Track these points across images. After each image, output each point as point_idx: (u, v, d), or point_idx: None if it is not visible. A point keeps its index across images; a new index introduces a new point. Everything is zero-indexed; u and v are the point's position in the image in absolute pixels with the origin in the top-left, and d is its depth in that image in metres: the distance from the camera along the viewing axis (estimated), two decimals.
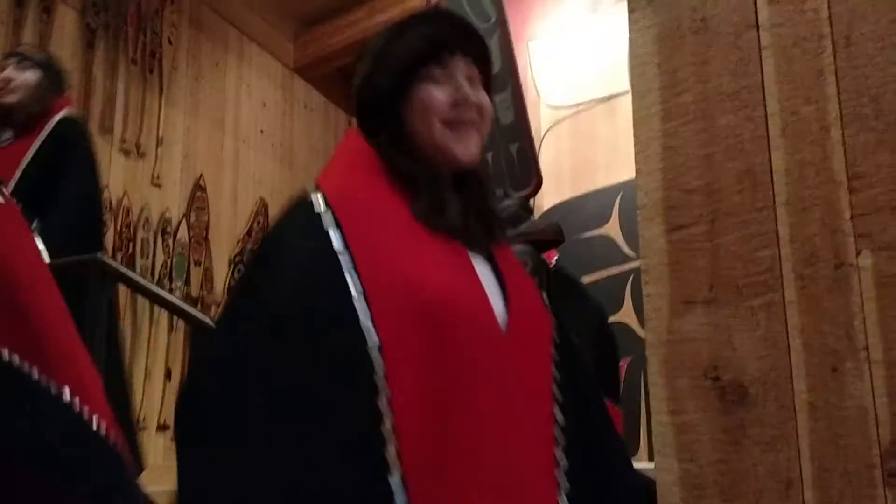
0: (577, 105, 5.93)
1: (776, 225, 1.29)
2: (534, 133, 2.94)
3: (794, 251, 1.27)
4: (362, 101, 1.17)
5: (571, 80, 5.68)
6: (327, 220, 1.00)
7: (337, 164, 1.15)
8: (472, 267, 1.09)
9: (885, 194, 1.26)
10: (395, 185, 1.10)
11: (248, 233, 5.55)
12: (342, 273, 0.94)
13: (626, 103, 1.51)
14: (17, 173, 2.55)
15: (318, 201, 1.03)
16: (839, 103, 1.27)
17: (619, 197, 6.06)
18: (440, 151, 1.14)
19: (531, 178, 2.54)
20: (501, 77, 2.61)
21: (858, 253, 1.25)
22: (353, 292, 0.92)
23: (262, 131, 6.01)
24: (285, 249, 0.99)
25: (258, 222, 5.65)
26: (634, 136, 1.40)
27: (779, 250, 1.28)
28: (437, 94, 1.14)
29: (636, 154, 1.40)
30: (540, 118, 5.99)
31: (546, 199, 5.96)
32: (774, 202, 1.29)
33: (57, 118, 2.71)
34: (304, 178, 6.15)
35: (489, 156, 2.50)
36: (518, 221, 2.44)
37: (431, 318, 0.94)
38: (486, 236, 1.16)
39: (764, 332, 1.27)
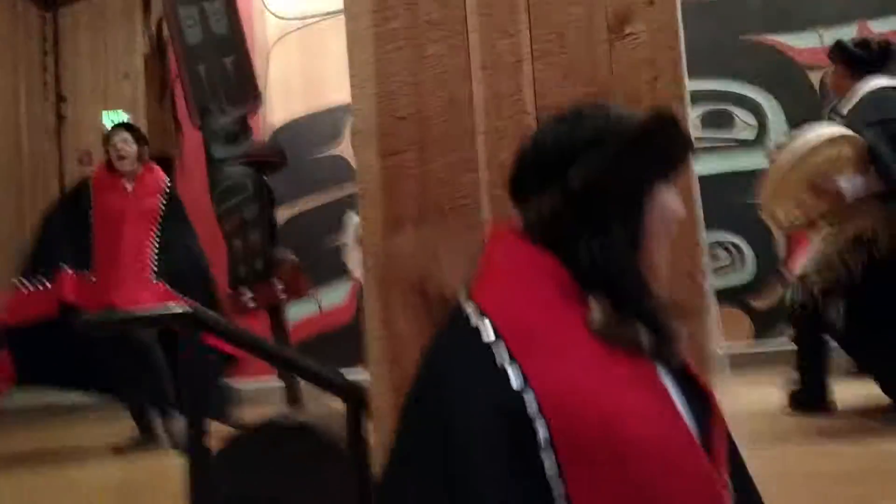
0: (306, 18, 5.79)
1: (476, 152, 1.40)
2: (261, 46, 2.82)
3: (491, 176, 1.40)
4: (580, 201, 0.93)
5: None
6: (501, 353, 0.85)
7: (502, 278, 0.94)
8: (668, 391, 0.91)
9: None
10: (566, 294, 0.91)
11: None
12: (526, 420, 0.81)
13: None
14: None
15: (487, 330, 0.88)
16: (530, 38, 1.39)
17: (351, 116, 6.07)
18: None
19: (249, 94, 2.45)
20: None
21: None
22: (541, 441, 0.81)
23: None
24: (459, 399, 0.84)
25: None
26: (349, 59, 1.42)
27: (478, 175, 1.41)
28: (674, 203, 0.98)
29: (351, 78, 1.42)
30: (266, 30, 5.76)
31: (277, 117, 5.80)
32: (475, 131, 1.40)
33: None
34: None
35: (202, 69, 2.37)
36: (236, 141, 2.36)
37: (629, 465, 0.82)
38: (669, 345, 0.95)
39: (464, 250, 1.40)
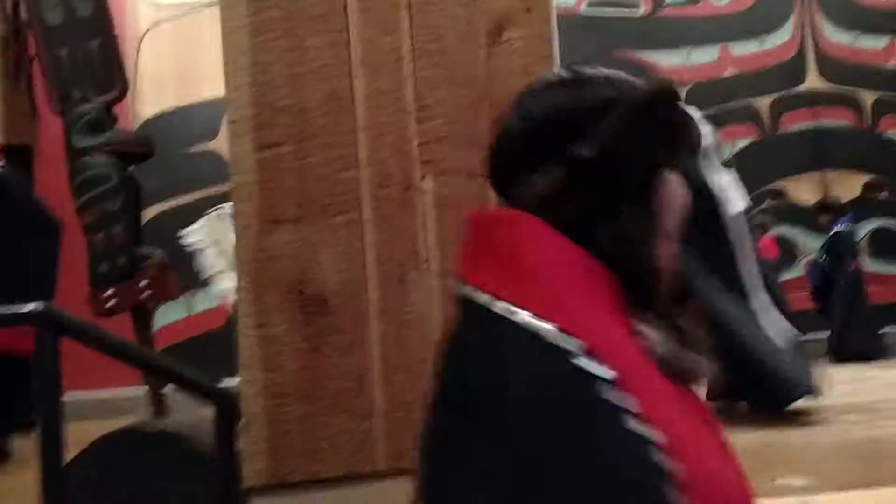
0: (181, 6, 5.54)
1: (357, 149, 1.38)
2: (131, 33, 2.67)
3: (371, 174, 1.38)
4: (598, 180, 0.80)
5: None
6: (622, 399, 0.72)
7: (559, 287, 0.78)
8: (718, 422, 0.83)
9: (445, 125, 1.43)
10: (617, 301, 0.79)
11: None
12: (667, 478, 0.71)
13: None
14: None
15: (598, 368, 0.73)
16: (412, 37, 1.39)
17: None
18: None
19: (115, 81, 2.30)
20: None
21: (423, 177, 1.42)
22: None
23: None
24: (596, 448, 0.72)
25: None
26: (223, 48, 1.36)
27: (359, 172, 1.38)
28: (682, 190, 0.85)
29: (225, 66, 1.36)
30: (138, 16, 5.47)
31: (147, 108, 5.51)
32: (356, 127, 1.38)
33: None
34: None
35: (64, 52, 2.19)
36: (100, 130, 2.20)
37: None
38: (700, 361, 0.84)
39: (344, 248, 1.37)
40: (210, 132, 5.65)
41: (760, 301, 3.36)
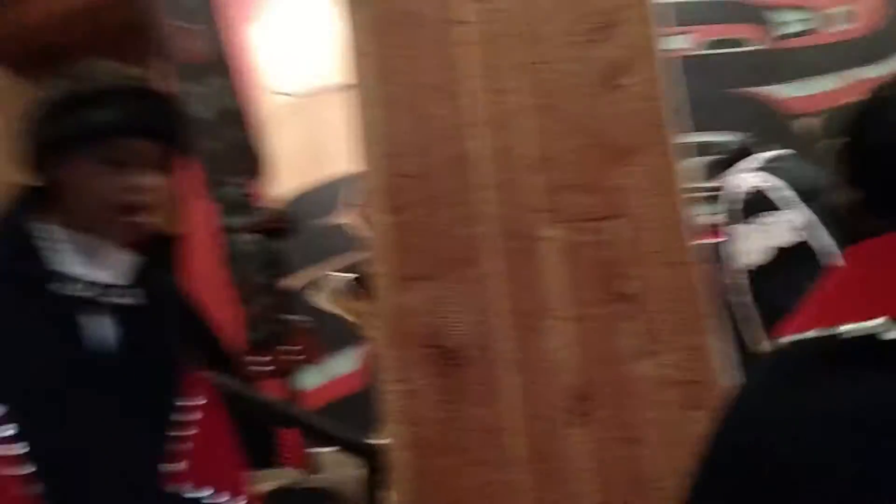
0: (307, 92, 5.95)
1: (481, 206, 1.44)
2: (262, 119, 2.91)
3: (498, 228, 1.43)
4: None
5: (301, 66, 5.67)
6: None
7: None
8: None
9: (569, 175, 1.47)
10: None
11: None
12: None
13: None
14: None
15: None
16: (532, 94, 1.45)
17: (349, 186, 6.18)
18: None
19: (255, 164, 2.51)
20: (218, 62, 2.55)
21: (550, 225, 1.45)
22: None
23: None
24: None
25: None
26: (359, 123, 1.47)
27: (485, 228, 1.44)
28: None
29: (360, 141, 1.47)
30: (268, 105, 5.91)
31: (277, 190, 5.91)
32: (481, 185, 1.44)
33: None
34: None
35: (218, 144, 2.43)
36: (243, 210, 2.40)
37: None
38: None
39: (475, 302, 1.42)
40: (335, 206, 5.93)
41: None
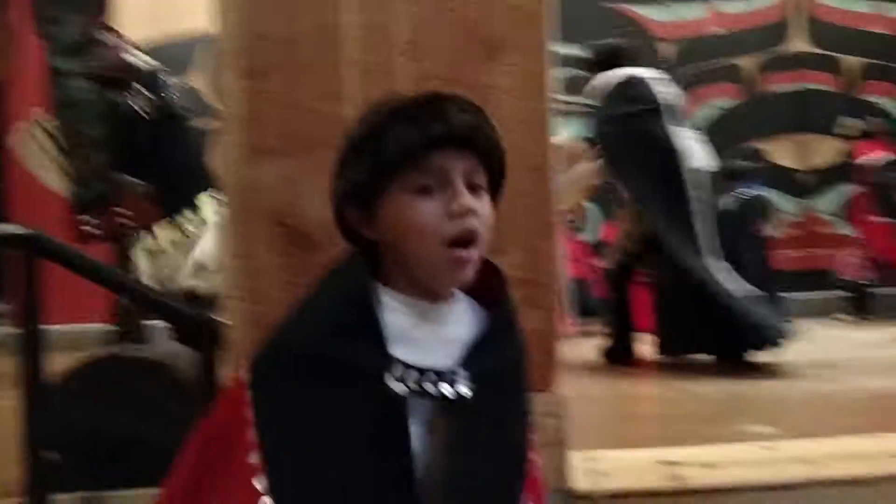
0: None
1: (343, 84, 1.37)
2: None
3: (358, 110, 1.37)
4: None
5: None
6: None
7: None
8: None
9: (440, 67, 1.42)
10: None
11: None
12: None
13: None
14: None
15: None
16: None
17: (204, 45, 5.73)
18: None
19: (98, 3, 2.22)
20: None
21: None
22: None
23: None
24: None
25: None
26: None
27: (344, 108, 1.37)
28: None
29: None
30: None
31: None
32: (344, 62, 1.36)
33: None
34: None
35: None
36: (78, 52, 2.14)
37: None
38: None
39: (327, 184, 1.37)
40: (184, 66, 5.54)
41: (712, 263, 3.42)
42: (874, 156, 5.59)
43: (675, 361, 3.55)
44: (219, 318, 1.43)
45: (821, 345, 3.82)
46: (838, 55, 6.51)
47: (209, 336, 1.50)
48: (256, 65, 1.34)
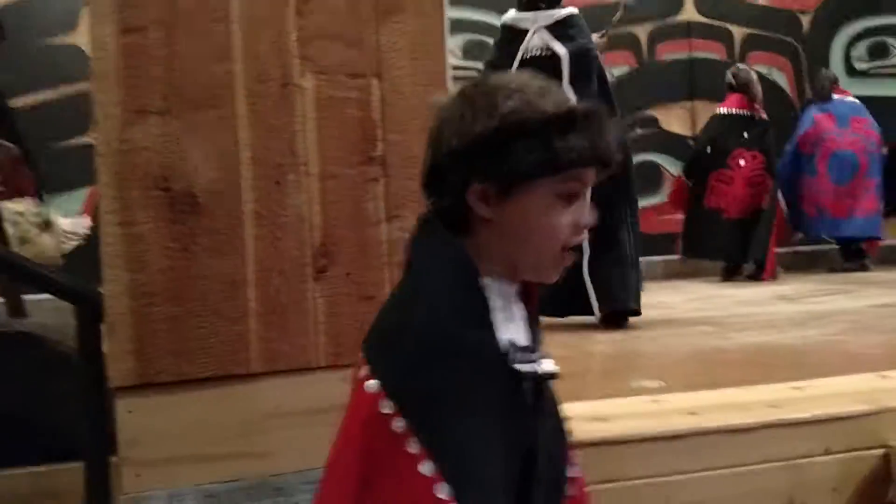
0: None
1: (230, 39, 1.31)
2: None
3: (246, 68, 1.32)
4: None
5: None
6: None
7: None
8: None
9: (331, 24, 1.38)
10: None
11: None
12: None
13: None
14: None
15: None
16: None
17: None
18: None
19: None
20: None
21: (302, 74, 1.37)
22: None
23: None
24: None
25: None
26: None
27: (232, 65, 1.31)
28: None
29: None
30: None
31: None
32: (229, 17, 1.30)
33: None
34: None
35: None
36: None
37: None
38: None
39: (215, 145, 1.31)
40: (69, 24, 5.19)
41: None
42: (722, 107, 5.69)
43: (564, 322, 3.57)
44: (99, 289, 1.35)
45: (706, 303, 4.02)
46: (727, 25, 6.78)
47: (90, 307, 1.43)
48: (133, 19, 1.26)
